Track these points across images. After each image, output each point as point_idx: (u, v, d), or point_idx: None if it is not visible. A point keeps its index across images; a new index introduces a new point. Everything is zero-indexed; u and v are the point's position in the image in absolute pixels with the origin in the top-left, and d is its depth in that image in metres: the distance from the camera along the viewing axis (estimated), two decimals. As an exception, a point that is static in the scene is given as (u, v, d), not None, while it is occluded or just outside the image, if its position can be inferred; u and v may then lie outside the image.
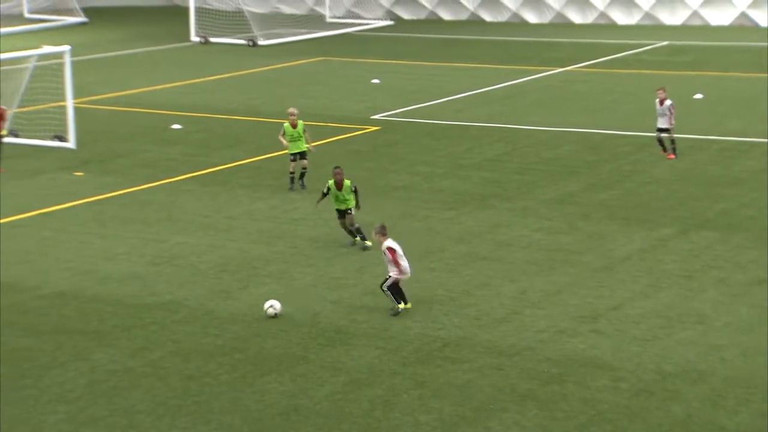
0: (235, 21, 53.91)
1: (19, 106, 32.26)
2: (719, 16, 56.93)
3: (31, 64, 32.75)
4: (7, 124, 29.01)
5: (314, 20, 58.69)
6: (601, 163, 27.64)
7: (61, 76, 31.27)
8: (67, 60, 30.94)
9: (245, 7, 55.46)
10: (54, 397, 14.92)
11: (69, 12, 61.30)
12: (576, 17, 59.45)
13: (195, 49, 51.73)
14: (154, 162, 28.74)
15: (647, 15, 58.02)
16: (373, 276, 18.98)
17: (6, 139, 28.75)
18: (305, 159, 25.42)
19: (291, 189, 25.36)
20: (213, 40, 52.99)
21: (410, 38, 54.23)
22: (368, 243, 20.84)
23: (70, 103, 30.77)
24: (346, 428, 13.98)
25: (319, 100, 37.26)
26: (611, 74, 42.00)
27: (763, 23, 55.76)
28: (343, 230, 21.34)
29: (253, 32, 52.94)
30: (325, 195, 21.22)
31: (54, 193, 25.77)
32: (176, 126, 33.08)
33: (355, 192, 21.11)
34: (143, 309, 18.11)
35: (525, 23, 59.73)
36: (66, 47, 31.40)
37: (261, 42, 52.08)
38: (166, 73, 43.94)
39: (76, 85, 32.11)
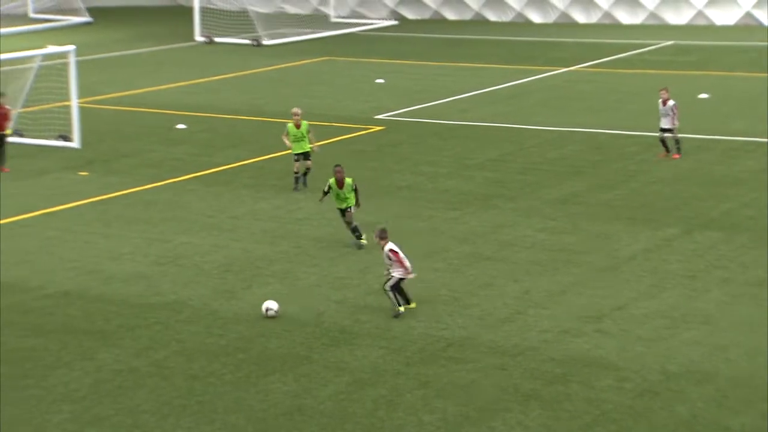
0: (240, 21, 53.93)
1: (24, 106, 32.29)
2: (724, 16, 56.87)
3: (35, 64, 32.79)
4: (11, 124, 29.05)
5: (318, 20, 58.70)
6: (606, 163, 27.63)
7: (66, 76, 31.31)
8: (72, 60, 30.98)
9: (250, 7, 55.48)
10: (59, 396, 14.95)
11: (73, 12, 61.35)
12: (580, 17, 59.41)
13: (199, 49, 51.76)
14: (159, 162, 28.76)
15: (652, 15, 57.97)
16: (376, 276, 18.98)
17: (11, 139, 28.79)
18: (309, 160, 25.43)
19: (295, 189, 25.38)
20: (217, 39, 53.02)
21: (414, 38, 54.22)
22: (363, 241, 20.88)
23: (74, 103, 30.81)
24: (350, 428, 13.98)
25: (323, 100, 37.27)
26: (616, 74, 41.98)
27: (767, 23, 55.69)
28: (347, 230, 21.36)
29: (257, 32, 52.96)
30: (326, 193, 21.27)
31: (59, 192, 25.80)
32: (181, 126, 33.11)
33: (356, 190, 21.15)
34: (148, 309, 18.13)
35: (529, 23, 59.70)
36: (71, 47, 31.45)
37: (265, 42, 52.10)
38: (170, 73, 43.97)
39: (81, 84, 32.15)
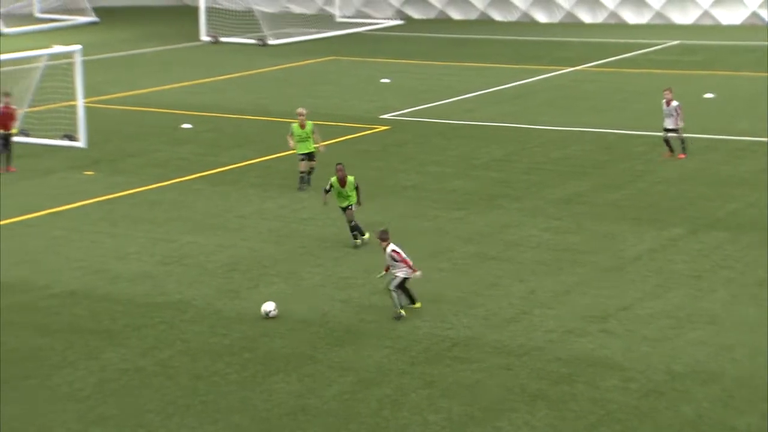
0: (245, 20, 53.95)
1: (30, 106, 32.34)
2: (730, 16, 56.78)
3: (41, 64, 32.83)
4: (17, 124, 29.09)
5: (324, 20, 58.70)
6: (611, 163, 27.60)
7: (72, 76, 31.35)
8: (78, 59, 31.02)
9: (255, 7, 55.49)
10: (64, 395, 14.96)
11: (80, 11, 61.42)
12: (586, 17, 59.36)
13: (205, 49, 51.79)
14: (165, 161, 28.79)
15: (658, 14, 57.90)
16: (391, 275, 18.95)
17: (17, 139, 28.84)
18: (313, 160, 25.42)
19: (300, 189, 25.38)
20: (223, 39, 53.04)
21: (420, 38, 54.21)
22: (365, 237, 20.90)
23: (80, 103, 30.85)
24: (355, 428, 13.98)
25: (328, 99, 37.28)
26: (621, 74, 41.93)
27: (774, 23, 55.61)
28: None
29: (262, 32, 52.98)
30: (327, 191, 21.30)
31: (65, 192, 25.83)
32: (186, 125, 33.14)
33: (357, 188, 21.18)
34: (153, 308, 18.15)
35: (535, 23, 59.65)
36: (77, 47, 31.49)
37: (271, 41, 52.12)
38: (176, 73, 44.00)
39: (87, 84, 32.18)
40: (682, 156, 27.71)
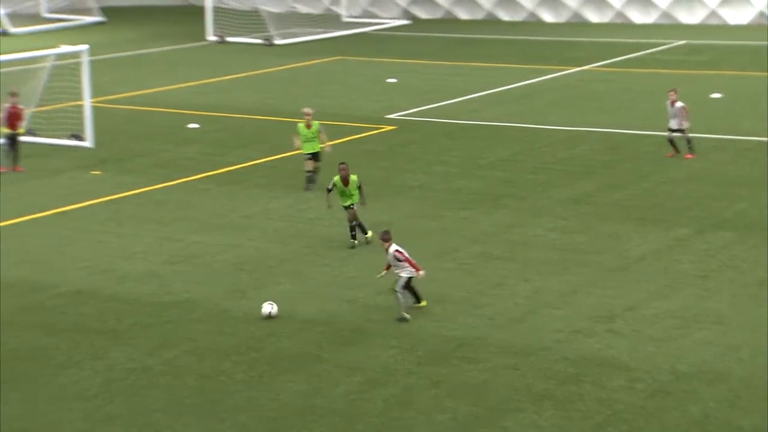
0: (252, 20, 53.98)
1: (37, 106, 32.40)
2: (737, 15, 56.69)
3: (49, 64, 32.89)
4: (24, 124, 29.15)
5: (330, 19, 58.72)
6: (618, 163, 27.58)
7: (79, 76, 31.40)
8: (85, 59, 31.07)
9: (261, 7, 55.53)
10: (71, 395, 14.99)
11: (87, 11, 61.51)
12: (593, 16, 59.31)
13: (211, 49, 51.84)
14: (171, 161, 28.83)
15: (665, 14, 57.83)
16: (392, 274, 18.96)
17: (24, 138, 28.90)
18: (319, 161, 25.43)
19: (306, 189, 25.40)
20: (229, 39, 53.08)
21: (427, 37, 54.20)
22: (369, 235, 20.92)
23: (87, 103, 30.90)
24: (361, 428, 13.99)
25: (335, 99, 37.29)
26: (628, 73, 41.89)
27: (781, 22, 55.53)
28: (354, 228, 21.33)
29: (269, 31, 53.00)
30: (330, 191, 21.32)
31: (71, 192, 25.88)
32: (193, 125, 33.18)
33: (360, 188, 21.20)
34: (160, 308, 18.18)
35: (541, 22, 59.61)
36: (84, 47, 31.54)
37: (277, 41, 52.15)
38: (182, 73, 44.05)
39: (94, 84, 32.23)
40: (691, 156, 27.68)
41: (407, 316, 17.32)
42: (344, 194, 21.27)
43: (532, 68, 43.05)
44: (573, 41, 51.18)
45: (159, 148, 30.36)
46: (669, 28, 55.79)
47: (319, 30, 54.72)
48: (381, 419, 14.15)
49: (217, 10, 54.52)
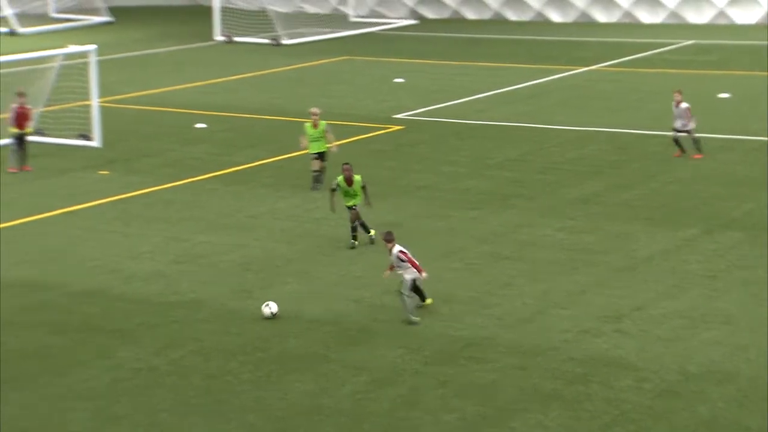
0: (259, 20, 54.00)
1: (45, 106, 32.44)
2: (745, 15, 56.57)
3: (57, 64, 32.92)
4: (32, 123, 29.18)
5: (338, 19, 58.72)
6: (626, 163, 27.52)
7: (87, 76, 31.43)
8: (93, 59, 31.10)
9: (269, 7, 55.55)
10: (77, 394, 14.99)
11: (94, 11, 61.58)
12: (600, 16, 59.22)
13: (219, 49, 51.87)
14: (179, 161, 28.84)
15: (672, 14, 57.73)
16: (395, 275, 18.93)
17: (32, 138, 28.93)
18: (325, 160, 25.41)
19: (313, 188, 25.38)
20: (237, 39, 53.12)
21: (434, 37, 54.17)
22: (372, 234, 20.89)
23: (95, 103, 30.94)
24: (368, 428, 13.97)
25: (342, 99, 37.28)
26: (636, 73, 41.81)
27: (789, 22, 55.39)
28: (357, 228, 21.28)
29: (276, 31, 53.02)
30: (333, 191, 21.29)
31: (79, 191, 25.90)
32: (200, 125, 33.19)
33: (364, 188, 21.17)
34: (167, 307, 18.17)
35: (549, 22, 59.55)
36: (91, 46, 31.57)
37: (284, 41, 52.16)
38: (190, 73, 44.07)
39: (101, 84, 32.26)
40: (698, 156, 27.63)
41: (416, 319, 17.25)
42: (348, 194, 21.25)
43: (540, 68, 42.99)
44: (580, 41, 51.11)
45: (166, 148, 30.38)
46: (677, 27, 55.68)
47: (327, 30, 54.72)
48: (388, 419, 14.13)
49: (225, 10, 54.55)
